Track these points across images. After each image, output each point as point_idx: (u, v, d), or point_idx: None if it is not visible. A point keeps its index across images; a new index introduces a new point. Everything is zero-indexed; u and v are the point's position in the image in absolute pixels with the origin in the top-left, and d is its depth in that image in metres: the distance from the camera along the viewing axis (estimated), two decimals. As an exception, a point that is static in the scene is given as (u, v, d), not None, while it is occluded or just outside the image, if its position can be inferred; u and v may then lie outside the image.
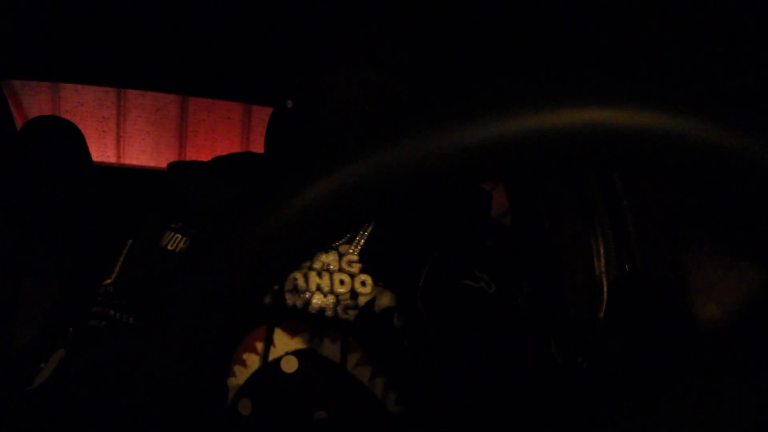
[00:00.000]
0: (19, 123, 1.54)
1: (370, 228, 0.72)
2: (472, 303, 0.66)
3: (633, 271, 1.01)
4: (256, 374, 0.64)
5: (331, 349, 0.65)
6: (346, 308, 0.67)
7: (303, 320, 0.65)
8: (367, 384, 0.65)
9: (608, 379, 0.69)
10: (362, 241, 0.71)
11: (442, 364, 0.64)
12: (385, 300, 0.67)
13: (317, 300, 0.67)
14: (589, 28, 0.85)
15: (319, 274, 0.68)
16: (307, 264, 0.69)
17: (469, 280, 0.67)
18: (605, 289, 1.01)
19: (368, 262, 0.70)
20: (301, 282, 0.67)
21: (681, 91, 0.21)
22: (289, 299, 0.66)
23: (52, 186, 1.40)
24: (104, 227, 1.28)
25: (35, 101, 4.41)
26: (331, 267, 0.69)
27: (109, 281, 0.67)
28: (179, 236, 0.68)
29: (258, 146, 1.06)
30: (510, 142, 0.21)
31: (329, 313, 0.66)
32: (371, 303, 0.67)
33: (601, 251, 1.04)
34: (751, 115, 0.21)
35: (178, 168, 0.73)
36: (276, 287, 0.67)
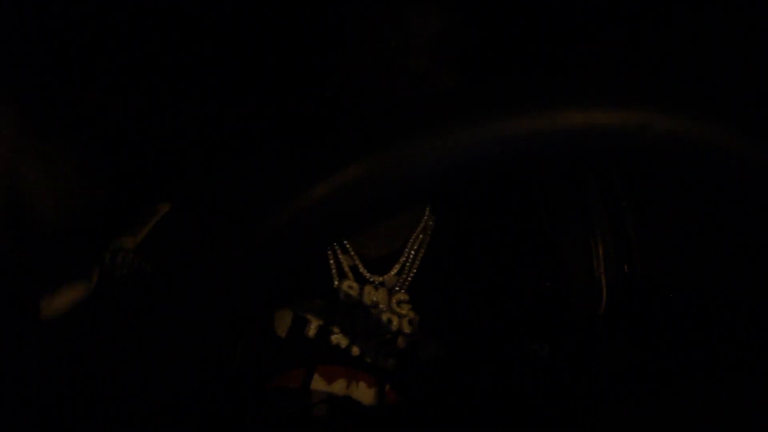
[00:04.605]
0: None
1: (420, 259, 0.70)
2: (526, 367, 0.64)
3: (631, 271, 1.01)
4: (288, 416, 0.62)
5: (366, 395, 0.63)
6: (386, 354, 0.65)
7: (342, 365, 0.64)
8: None
9: (607, 378, 0.69)
10: (412, 273, 0.68)
11: (483, 421, 0.62)
12: (432, 348, 0.65)
13: (360, 344, 0.65)
14: (592, 28, 0.85)
15: (367, 313, 0.66)
16: (356, 298, 0.67)
17: (527, 343, 0.65)
18: (604, 289, 1.01)
19: (418, 299, 0.67)
20: (347, 321, 0.65)
21: (682, 91, 0.21)
22: (334, 339, 0.65)
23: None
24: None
25: None
26: (381, 306, 0.67)
27: (131, 239, 0.64)
28: None
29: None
30: (516, 143, 0.22)
31: (369, 359, 0.65)
32: (414, 347, 0.65)
33: (600, 252, 1.04)
34: (752, 115, 0.22)
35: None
36: (322, 323, 0.65)
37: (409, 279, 0.69)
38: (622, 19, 0.85)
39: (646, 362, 0.70)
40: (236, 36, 1.18)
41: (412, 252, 0.70)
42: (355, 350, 0.64)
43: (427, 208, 0.75)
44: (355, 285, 0.67)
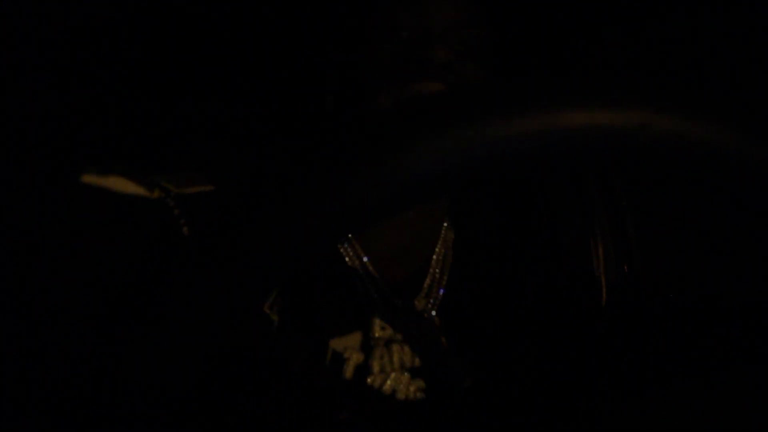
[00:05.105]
0: None
1: (446, 275, 0.66)
2: (527, 367, 0.63)
3: (631, 271, 1.01)
4: None
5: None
6: (418, 387, 0.62)
7: (375, 404, 0.62)
8: None
9: (607, 378, 0.69)
10: (440, 293, 0.65)
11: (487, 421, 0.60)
12: (461, 373, 0.63)
13: (392, 380, 0.62)
14: (592, 28, 0.85)
15: (401, 345, 0.63)
16: (390, 331, 0.63)
17: (557, 373, 0.63)
18: (604, 289, 1.01)
19: (448, 321, 0.65)
20: (383, 357, 0.63)
21: (682, 90, 0.21)
22: (369, 380, 0.62)
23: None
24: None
25: None
26: (413, 334, 0.64)
27: (173, 186, 0.60)
28: None
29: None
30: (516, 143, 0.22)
31: (400, 395, 0.62)
32: (444, 374, 0.63)
33: (600, 252, 1.04)
34: (752, 115, 0.22)
35: None
36: (360, 362, 0.62)
37: (439, 300, 0.66)
38: (622, 18, 0.85)
39: (646, 362, 0.70)
40: (238, 32, 1.17)
41: (437, 270, 0.67)
42: (388, 388, 0.61)
43: (445, 221, 0.71)
44: (387, 315, 0.64)
